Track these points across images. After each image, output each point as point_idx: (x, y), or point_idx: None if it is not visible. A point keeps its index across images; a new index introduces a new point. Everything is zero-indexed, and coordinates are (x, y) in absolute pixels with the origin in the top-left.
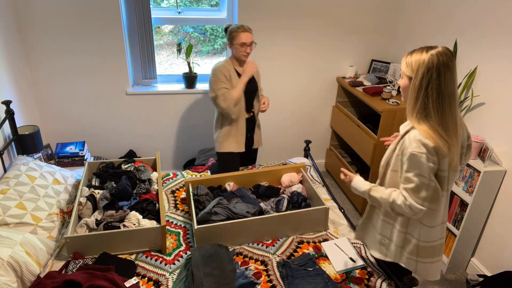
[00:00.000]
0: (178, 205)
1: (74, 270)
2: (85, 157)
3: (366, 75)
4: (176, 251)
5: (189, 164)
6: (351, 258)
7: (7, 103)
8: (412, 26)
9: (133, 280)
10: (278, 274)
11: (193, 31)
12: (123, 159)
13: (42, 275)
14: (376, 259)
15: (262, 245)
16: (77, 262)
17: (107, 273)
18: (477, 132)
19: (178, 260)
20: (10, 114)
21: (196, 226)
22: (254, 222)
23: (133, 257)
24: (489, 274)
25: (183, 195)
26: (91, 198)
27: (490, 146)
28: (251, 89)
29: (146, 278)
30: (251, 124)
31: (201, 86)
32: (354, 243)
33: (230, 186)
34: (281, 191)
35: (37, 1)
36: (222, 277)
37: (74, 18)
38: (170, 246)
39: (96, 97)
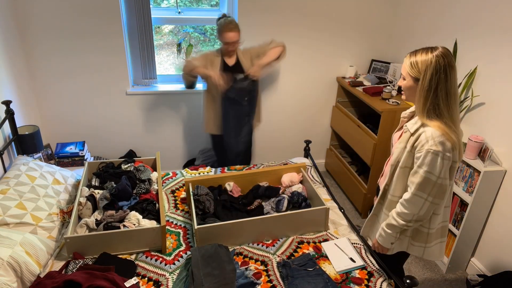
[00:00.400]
0: (178, 205)
1: (74, 270)
2: (85, 157)
3: (366, 75)
4: (176, 251)
5: (189, 164)
6: (351, 258)
7: (7, 103)
8: (412, 26)
9: (133, 280)
10: (278, 274)
11: (193, 31)
12: (123, 159)
13: (42, 275)
14: (376, 259)
15: (262, 245)
16: (77, 262)
17: (107, 273)
18: (477, 132)
19: (178, 260)
20: (10, 114)
21: (196, 226)
22: (254, 222)
23: (133, 257)
24: (489, 274)
25: (183, 194)
26: (91, 198)
27: (490, 146)
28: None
29: (146, 278)
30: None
31: (201, 86)
32: (354, 243)
33: (230, 186)
34: (281, 191)
35: (37, 1)
36: (222, 277)
37: (74, 18)
38: (170, 246)
39: (96, 97)
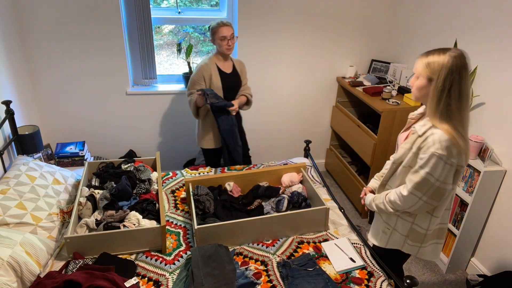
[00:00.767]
0: (178, 205)
1: (74, 270)
2: (85, 157)
3: (366, 75)
4: (176, 251)
5: (189, 164)
6: (351, 258)
7: (7, 103)
8: (412, 26)
9: (133, 280)
10: (278, 274)
11: (193, 31)
12: (123, 159)
13: (42, 275)
14: (376, 259)
15: (262, 245)
16: (77, 262)
17: (107, 273)
18: (477, 132)
19: (178, 260)
20: (10, 114)
21: (196, 226)
22: (254, 222)
23: (133, 257)
24: (489, 274)
25: (183, 194)
26: (91, 198)
27: (490, 146)
28: (231, 86)
29: (146, 278)
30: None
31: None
32: (354, 243)
33: (230, 186)
34: (281, 191)
35: (37, 2)
36: (222, 277)
37: (74, 18)
38: (170, 246)
39: (96, 97)
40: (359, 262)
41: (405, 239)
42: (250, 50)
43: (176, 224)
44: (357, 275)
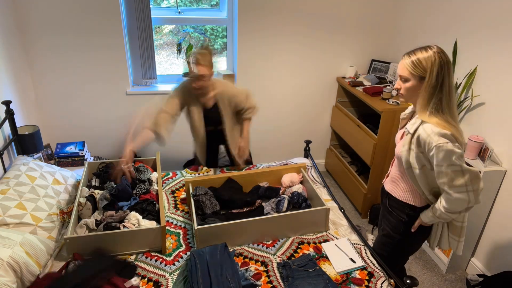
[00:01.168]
0: (178, 205)
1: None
2: (85, 157)
3: (366, 75)
4: (176, 252)
5: (189, 164)
6: (351, 259)
7: (7, 103)
8: (412, 26)
9: (133, 281)
10: (278, 275)
11: (193, 31)
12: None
13: (41, 276)
14: (376, 259)
15: (263, 246)
16: (77, 262)
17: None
18: (477, 132)
19: (178, 261)
20: (10, 114)
21: (196, 227)
22: (254, 223)
23: (133, 257)
24: (489, 274)
25: (183, 195)
26: (91, 198)
27: (490, 146)
28: (211, 116)
29: (146, 279)
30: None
31: None
32: (354, 243)
33: None
34: (281, 191)
35: (37, 2)
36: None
37: (74, 18)
38: (170, 246)
39: (96, 97)
40: (360, 263)
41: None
42: (250, 50)
43: (176, 224)
44: (358, 276)
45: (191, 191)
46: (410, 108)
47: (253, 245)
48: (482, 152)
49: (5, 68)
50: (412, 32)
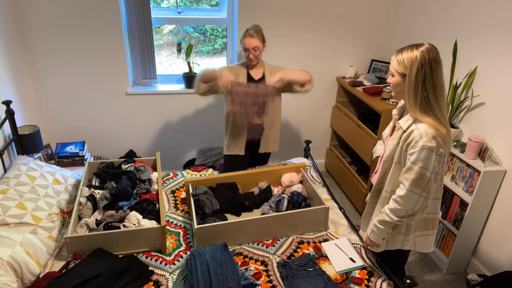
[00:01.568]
0: (178, 205)
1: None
2: (85, 157)
3: (366, 75)
4: (176, 251)
5: (189, 164)
6: (351, 259)
7: (7, 103)
8: (412, 26)
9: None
10: (278, 275)
11: (193, 31)
12: (123, 159)
13: (42, 275)
14: (376, 259)
15: (262, 245)
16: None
17: None
18: (477, 132)
19: (178, 261)
20: (10, 114)
21: (196, 226)
22: (254, 222)
23: None
24: (489, 274)
25: (183, 195)
26: (91, 198)
27: (490, 146)
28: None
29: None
30: (257, 130)
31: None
32: (354, 243)
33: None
34: (281, 191)
35: (37, 2)
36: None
37: (74, 18)
38: (170, 246)
39: (96, 97)
40: (359, 262)
41: (403, 236)
42: None
43: (176, 224)
44: (357, 275)
45: (191, 191)
46: (400, 103)
47: (253, 244)
48: (482, 152)
49: (5, 68)
50: (412, 32)
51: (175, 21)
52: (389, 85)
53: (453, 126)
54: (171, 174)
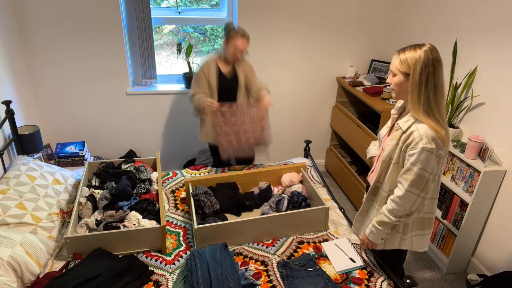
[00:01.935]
0: (178, 205)
1: None
2: (85, 157)
3: (366, 75)
4: (176, 251)
5: (189, 164)
6: (351, 259)
7: (7, 103)
8: (412, 26)
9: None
10: (278, 275)
11: (193, 31)
12: (123, 159)
13: (42, 275)
14: (376, 259)
15: (262, 245)
16: (77, 262)
17: None
18: (477, 132)
19: (178, 260)
20: (10, 114)
21: (196, 226)
22: (254, 222)
23: None
24: (489, 274)
25: (183, 194)
26: (91, 198)
27: (490, 146)
28: (226, 88)
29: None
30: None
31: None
32: (354, 243)
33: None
34: (281, 191)
35: (37, 4)
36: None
37: (74, 18)
38: (170, 246)
39: (96, 97)
40: (359, 262)
41: (401, 235)
42: (250, 50)
43: (176, 224)
44: (357, 275)
45: (191, 191)
46: (398, 103)
47: (253, 244)
48: (482, 152)
49: (5, 68)
50: (412, 32)
51: (175, 21)
52: (389, 85)
53: (453, 126)
54: (171, 174)
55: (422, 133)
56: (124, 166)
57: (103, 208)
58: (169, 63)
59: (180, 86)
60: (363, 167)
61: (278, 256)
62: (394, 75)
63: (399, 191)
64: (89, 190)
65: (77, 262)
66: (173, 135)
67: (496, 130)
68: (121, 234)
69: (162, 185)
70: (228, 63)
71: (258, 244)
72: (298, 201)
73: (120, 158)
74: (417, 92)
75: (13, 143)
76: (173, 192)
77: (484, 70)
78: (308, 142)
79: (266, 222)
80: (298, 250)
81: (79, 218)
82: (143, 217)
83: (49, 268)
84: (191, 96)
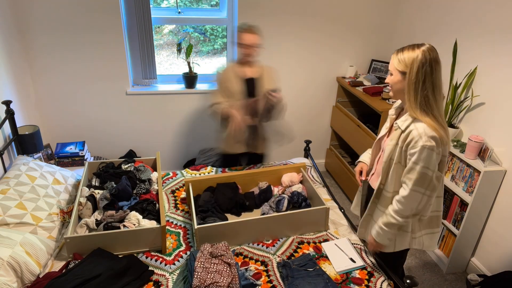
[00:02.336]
0: (178, 205)
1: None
2: (85, 157)
3: (366, 75)
4: (176, 251)
5: (189, 164)
6: (351, 259)
7: (7, 103)
8: (412, 26)
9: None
10: (278, 275)
11: (193, 31)
12: (123, 159)
13: (42, 275)
14: (376, 259)
15: (262, 245)
16: (77, 262)
17: None
18: (477, 132)
19: (178, 261)
20: (10, 114)
21: (196, 226)
22: (254, 222)
23: None
24: (489, 274)
25: (183, 194)
26: (91, 198)
27: (490, 146)
28: (250, 91)
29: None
30: (252, 131)
31: (201, 86)
32: (354, 243)
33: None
34: (281, 191)
35: (37, 4)
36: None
37: (74, 18)
38: (170, 246)
39: (96, 97)
40: (359, 262)
41: (410, 235)
42: None
43: (176, 224)
44: (357, 276)
45: (191, 190)
46: (396, 103)
47: (253, 244)
48: (482, 152)
49: (5, 68)
50: (412, 32)
51: (175, 21)
52: (388, 85)
53: (453, 126)
54: (171, 174)
55: (421, 132)
56: (124, 166)
57: (103, 208)
58: (169, 63)
59: (180, 86)
60: None
61: (278, 256)
62: (391, 74)
63: (404, 191)
64: (89, 190)
65: (77, 262)
66: (173, 135)
67: (496, 130)
68: (121, 234)
69: (162, 185)
70: (244, 66)
71: (258, 244)
72: (298, 201)
73: (120, 158)
74: (414, 90)
75: (13, 143)
76: (173, 192)
77: (484, 70)
78: (308, 142)
79: (266, 222)
80: (298, 250)
81: (79, 218)
82: (143, 217)
83: (49, 268)
84: (210, 106)
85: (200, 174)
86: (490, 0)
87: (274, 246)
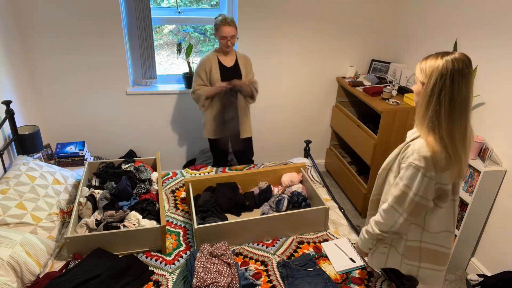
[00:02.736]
0: (178, 205)
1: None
2: (85, 157)
3: (366, 75)
4: (176, 251)
5: (189, 164)
6: (351, 259)
7: (7, 103)
8: (412, 26)
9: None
10: (278, 275)
11: (193, 31)
12: (123, 159)
13: (42, 275)
14: None
15: (262, 245)
16: (77, 262)
17: None
18: (477, 132)
19: (178, 260)
20: (10, 114)
21: (196, 226)
22: (254, 222)
23: None
24: (489, 274)
25: (183, 194)
26: (91, 198)
27: (490, 146)
28: (229, 80)
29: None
30: (232, 112)
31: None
32: (354, 243)
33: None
34: (281, 191)
35: (37, 2)
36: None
37: (74, 18)
38: (170, 246)
39: (96, 97)
40: (359, 262)
41: (401, 258)
42: (250, 50)
43: (176, 224)
44: (357, 275)
45: (191, 190)
46: None
47: (253, 244)
48: (482, 152)
49: (5, 68)
50: (412, 32)
51: (175, 21)
52: (388, 85)
53: None
54: (171, 174)
55: (415, 148)
56: (124, 166)
57: (103, 208)
58: (169, 63)
59: (180, 86)
60: (363, 167)
61: (278, 256)
62: (416, 82)
63: (385, 205)
64: (89, 190)
65: (77, 262)
66: (173, 135)
67: (496, 130)
68: (121, 234)
69: (162, 185)
70: (227, 54)
71: (258, 244)
72: (298, 201)
73: (120, 158)
74: (426, 104)
75: (13, 143)
76: (173, 192)
77: (484, 70)
78: (308, 142)
79: (266, 222)
80: (298, 250)
81: (79, 218)
82: (143, 217)
83: (49, 268)
84: (193, 92)
85: (200, 174)
86: (490, 0)
87: (274, 246)
